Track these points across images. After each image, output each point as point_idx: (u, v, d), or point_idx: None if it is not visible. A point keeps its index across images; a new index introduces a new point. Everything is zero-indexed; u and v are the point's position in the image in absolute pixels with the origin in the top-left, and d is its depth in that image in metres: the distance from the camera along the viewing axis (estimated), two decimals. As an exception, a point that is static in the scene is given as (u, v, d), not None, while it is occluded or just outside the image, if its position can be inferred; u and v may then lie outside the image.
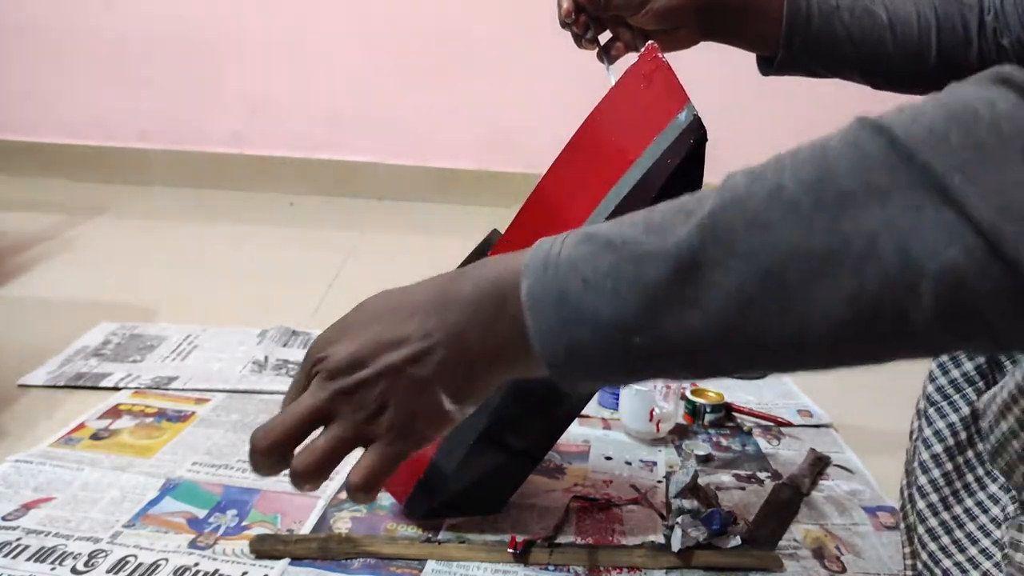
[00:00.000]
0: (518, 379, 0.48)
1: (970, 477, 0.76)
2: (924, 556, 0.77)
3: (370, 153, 2.55)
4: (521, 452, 0.99)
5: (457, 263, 0.88)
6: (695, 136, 0.72)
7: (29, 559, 0.84)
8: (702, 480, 1.04)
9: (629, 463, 1.13)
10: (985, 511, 0.74)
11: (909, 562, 0.79)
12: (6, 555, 0.84)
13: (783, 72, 0.97)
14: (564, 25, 0.92)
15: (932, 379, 0.79)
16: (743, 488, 1.08)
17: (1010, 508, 0.68)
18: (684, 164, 0.72)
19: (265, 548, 0.88)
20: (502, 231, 0.86)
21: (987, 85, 0.39)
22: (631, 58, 0.83)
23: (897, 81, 0.96)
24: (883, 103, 0.44)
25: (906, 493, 0.80)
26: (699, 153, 0.73)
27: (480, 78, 2.50)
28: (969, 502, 0.75)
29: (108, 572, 0.83)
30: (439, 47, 2.48)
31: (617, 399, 1.22)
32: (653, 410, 1.16)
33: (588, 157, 0.77)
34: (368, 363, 0.48)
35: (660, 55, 0.75)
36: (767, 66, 0.97)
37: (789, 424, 1.26)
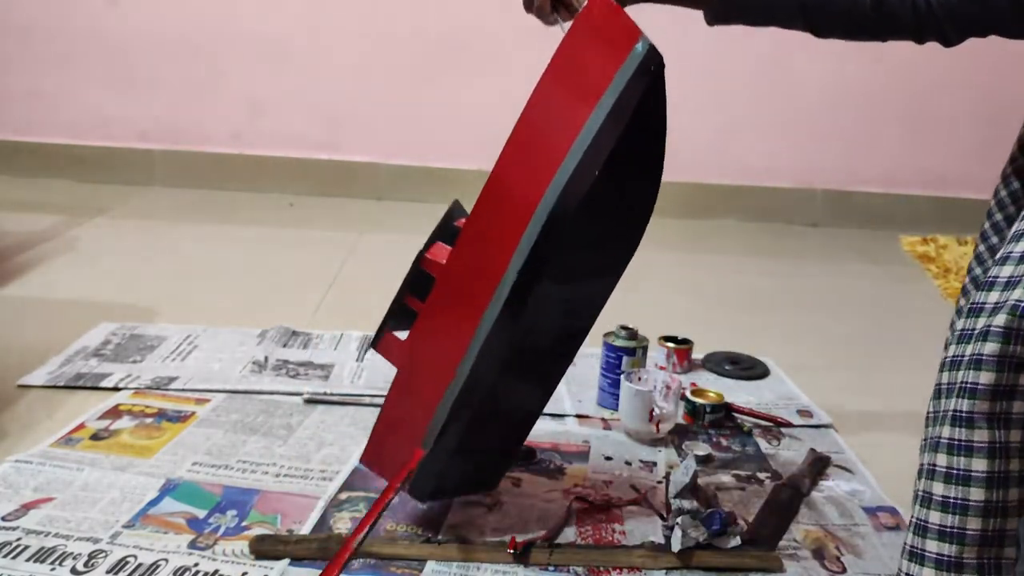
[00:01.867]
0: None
1: None
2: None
3: (370, 153, 2.55)
4: (511, 424, 0.98)
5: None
6: (654, 64, 0.75)
7: (29, 559, 0.84)
8: (702, 480, 1.04)
9: (629, 463, 1.13)
10: None
11: None
12: (6, 555, 0.84)
13: (725, 22, 0.99)
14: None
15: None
16: (743, 488, 1.08)
17: None
18: (647, 92, 0.76)
19: (265, 548, 0.88)
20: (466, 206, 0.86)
21: None
22: None
23: (838, 27, 0.99)
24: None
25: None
26: (659, 81, 0.77)
27: (480, 78, 2.50)
28: None
29: (108, 572, 0.83)
30: (439, 47, 2.48)
31: (617, 399, 1.22)
32: (653, 410, 1.15)
33: (557, 100, 0.79)
34: None
35: None
36: (710, 18, 0.99)
37: (789, 424, 1.26)
